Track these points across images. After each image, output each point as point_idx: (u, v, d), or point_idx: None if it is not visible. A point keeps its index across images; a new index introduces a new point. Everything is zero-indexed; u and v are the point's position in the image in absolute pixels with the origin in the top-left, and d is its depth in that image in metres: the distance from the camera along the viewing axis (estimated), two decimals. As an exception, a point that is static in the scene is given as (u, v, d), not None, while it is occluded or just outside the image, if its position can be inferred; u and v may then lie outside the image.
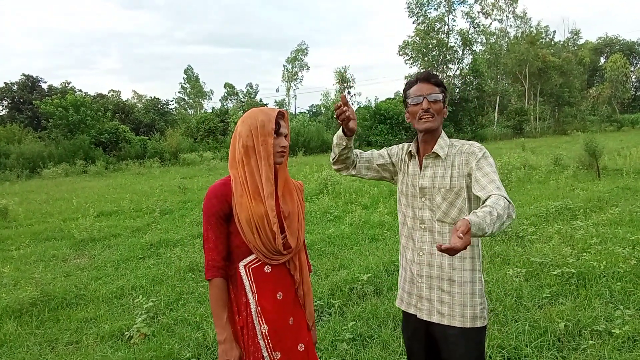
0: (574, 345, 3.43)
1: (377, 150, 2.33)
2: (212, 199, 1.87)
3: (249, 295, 1.90)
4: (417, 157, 2.13)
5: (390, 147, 2.31)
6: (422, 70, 2.06)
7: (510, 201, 1.72)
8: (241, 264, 1.90)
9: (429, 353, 2.13)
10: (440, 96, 2.02)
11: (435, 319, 2.02)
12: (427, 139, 2.07)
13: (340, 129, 2.09)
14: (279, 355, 1.91)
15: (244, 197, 1.85)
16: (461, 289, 1.98)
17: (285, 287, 1.97)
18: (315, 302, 4.51)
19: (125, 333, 4.14)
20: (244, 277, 1.90)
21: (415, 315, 2.10)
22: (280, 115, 1.93)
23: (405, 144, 2.25)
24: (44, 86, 41.05)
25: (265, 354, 1.89)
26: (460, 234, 1.40)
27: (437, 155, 2.04)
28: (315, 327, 2.19)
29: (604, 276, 4.67)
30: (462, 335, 1.97)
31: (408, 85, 2.10)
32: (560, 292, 4.41)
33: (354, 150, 2.26)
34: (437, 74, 2.01)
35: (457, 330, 1.97)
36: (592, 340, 3.44)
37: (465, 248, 1.41)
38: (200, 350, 3.70)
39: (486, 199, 1.72)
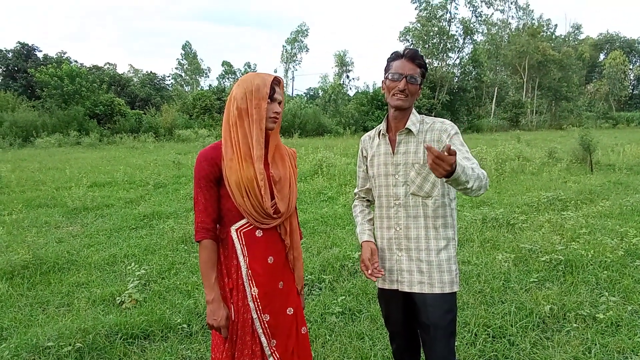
0: (558, 327, 3.50)
1: (360, 175, 2.40)
2: (202, 162, 1.89)
3: (240, 258, 1.92)
4: (387, 135, 2.18)
5: (358, 162, 2.39)
6: (409, 47, 2.10)
7: (484, 172, 1.85)
8: (233, 228, 1.93)
9: (406, 318, 2.22)
10: (419, 79, 2.07)
11: (416, 289, 2.10)
12: (399, 116, 2.13)
13: (359, 239, 2.26)
14: (268, 318, 1.95)
15: (234, 160, 1.86)
16: (437, 257, 2.08)
17: (276, 251, 2.00)
18: (307, 276, 4.57)
19: (117, 298, 4.17)
20: (236, 240, 1.92)
21: (395, 290, 2.17)
22: (276, 82, 1.93)
23: (365, 137, 2.33)
24: (40, 55, 40.46)
25: (255, 316, 1.92)
26: (446, 154, 1.54)
27: (409, 131, 2.10)
28: (304, 291, 2.23)
29: (591, 264, 4.74)
30: (440, 299, 2.06)
31: (392, 57, 2.12)
32: (547, 278, 4.48)
33: (362, 202, 2.43)
34: (422, 55, 2.08)
35: (437, 296, 2.06)
36: (576, 323, 3.51)
37: (446, 172, 1.57)
38: (191, 317, 3.75)
39: None
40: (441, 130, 2.06)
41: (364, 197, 2.40)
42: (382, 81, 2.16)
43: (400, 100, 2.06)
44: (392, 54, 2.13)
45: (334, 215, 7.29)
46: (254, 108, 1.87)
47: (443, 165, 1.55)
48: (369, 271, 2.10)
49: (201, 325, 3.62)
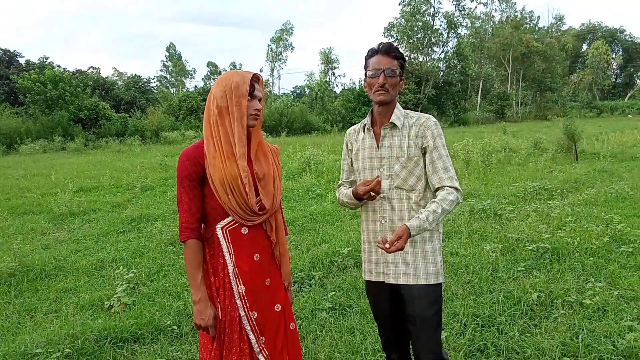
0: (545, 314, 3.54)
1: (344, 168, 2.40)
2: (185, 161, 1.88)
3: (227, 256, 1.92)
4: (371, 129, 2.20)
5: (343, 154, 2.40)
6: (384, 42, 2.13)
7: (459, 188, 2.05)
8: (218, 226, 1.92)
9: (393, 310, 2.24)
10: (397, 70, 2.09)
11: (401, 280, 2.12)
12: (383, 110, 2.15)
13: (351, 192, 2.19)
14: (256, 315, 1.95)
15: (217, 159, 1.86)
16: (423, 248, 2.10)
17: (262, 248, 2.00)
18: (296, 273, 4.57)
19: (106, 302, 4.15)
20: (221, 239, 1.92)
21: (382, 282, 2.19)
22: (255, 79, 1.93)
23: (351, 130, 2.35)
24: (22, 61, 39.92)
25: (242, 314, 1.92)
26: (396, 242, 1.84)
27: (394, 125, 2.13)
28: (291, 287, 2.23)
29: (577, 251, 4.80)
30: (425, 290, 2.09)
31: (369, 54, 2.15)
32: (534, 266, 4.53)
33: (344, 188, 2.38)
34: (397, 47, 2.14)
35: (422, 287, 2.09)
36: (563, 310, 3.55)
37: (405, 243, 1.86)
38: (181, 318, 3.73)
39: (437, 189, 2.06)
40: (426, 127, 2.10)
41: (347, 187, 2.40)
42: (363, 80, 2.20)
43: (382, 95, 2.08)
44: (368, 52, 2.16)
45: (322, 212, 7.30)
46: (234, 106, 1.87)
47: (400, 245, 1.84)
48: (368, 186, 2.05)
49: (191, 326, 3.61)
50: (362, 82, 2.24)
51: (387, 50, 2.09)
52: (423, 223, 1.91)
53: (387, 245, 1.84)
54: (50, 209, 8.34)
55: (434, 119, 2.15)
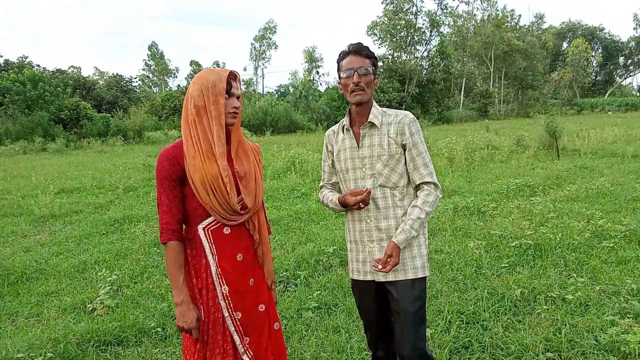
0: (529, 310, 3.57)
1: (325, 170, 2.40)
2: (164, 162, 1.85)
3: (209, 257, 1.90)
4: (351, 130, 2.20)
5: (323, 156, 2.40)
6: (353, 43, 2.15)
7: (437, 183, 2.14)
8: (200, 227, 1.90)
9: (379, 306, 2.26)
10: (370, 69, 2.11)
11: (390, 277, 2.13)
12: (360, 110, 2.17)
13: (337, 200, 2.21)
14: (240, 315, 1.93)
15: (197, 159, 1.83)
16: (409, 244, 2.12)
17: (245, 248, 1.98)
18: (282, 273, 4.56)
19: (88, 305, 4.09)
20: (204, 239, 1.90)
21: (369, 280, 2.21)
22: (232, 76, 1.91)
23: (330, 132, 2.35)
24: (0, 60, 39.24)
25: (226, 314, 1.90)
26: (389, 261, 2.00)
27: (372, 125, 2.15)
28: (275, 286, 2.22)
29: (559, 247, 4.86)
30: (410, 286, 2.11)
31: (340, 57, 2.17)
32: (517, 262, 4.57)
33: (328, 191, 2.38)
34: (367, 46, 2.19)
35: (407, 282, 2.11)
36: (546, 305, 3.58)
37: (397, 264, 2.03)
38: (165, 320, 3.69)
39: (417, 187, 2.15)
40: (404, 124, 2.12)
41: (330, 190, 2.40)
42: (338, 83, 2.21)
43: (359, 95, 2.10)
44: (339, 54, 2.18)
45: (307, 211, 7.29)
46: (211, 104, 1.85)
47: (394, 261, 2.00)
48: (359, 196, 2.08)
49: (175, 329, 3.57)
50: (338, 85, 2.25)
51: (357, 50, 2.11)
52: (409, 234, 2.04)
53: (380, 267, 1.99)
54: (31, 211, 8.21)
55: (412, 115, 2.18)
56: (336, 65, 2.20)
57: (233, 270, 1.92)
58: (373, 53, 2.16)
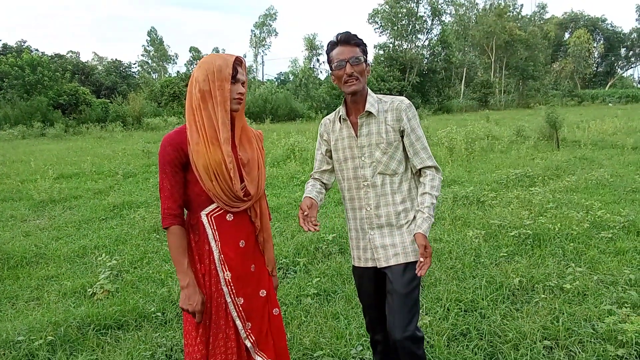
0: (527, 299, 3.60)
1: (317, 158, 2.40)
2: (167, 147, 1.84)
3: (212, 243, 1.90)
4: (348, 119, 2.20)
5: (317, 144, 2.39)
6: (342, 32, 2.13)
7: (438, 167, 2.17)
8: (203, 213, 1.90)
9: (377, 288, 2.28)
10: (361, 57, 2.10)
11: (392, 262, 2.15)
12: (356, 99, 2.16)
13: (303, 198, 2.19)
14: (242, 301, 1.94)
15: (201, 144, 1.82)
16: (408, 229, 2.15)
17: (247, 234, 1.98)
18: (281, 260, 4.57)
19: (89, 290, 4.10)
20: (207, 225, 1.90)
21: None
22: (238, 62, 1.89)
23: (326, 120, 2.35)
24: (-2, 44, 39.01)
25: (229, 300, 1.91)
26: (425, 253, 2.00)
27: (369, 113, 2.14)
28: (276, 272, 2.22)
29: (558, 237, 4.88)
30: (406, 268, 2.13)
31: (329, 48, 2.15)
32: (516, 252, 4.59)
33: (316, 181, 2.38)
34: (355, 34, 2.18)
35: (403, 265, 2.13)
36: (544, 294, 3.61)
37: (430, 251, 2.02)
38: (165, 305, 3.71)
39: (420, 172, 2.17)
40: (400, 110, 2.13)
41: (318, 179, 2.39)
42: (330, 74, 2.19)
43: (353, 85, 2.09)
44: (327, 45, 2.16)
45: (307, 198, 7.28)
46: (217, 90, 1.83)
47: (429, 250, 2.01)
48: (303, 220, 2.05)
49: (176, 313, 3.59)
50: (330, 76, 2.22)
51: (346, 39, 2.09)
52: (429, 221, 2.06)
53: (421, 259, 2.01)
54: (30, 195, 8.21)
55: (407, 101, 2.18)
56: (326, 56, 2.18)
57: (235, 256, 1.93)
58: (362, 40, 2.13)
